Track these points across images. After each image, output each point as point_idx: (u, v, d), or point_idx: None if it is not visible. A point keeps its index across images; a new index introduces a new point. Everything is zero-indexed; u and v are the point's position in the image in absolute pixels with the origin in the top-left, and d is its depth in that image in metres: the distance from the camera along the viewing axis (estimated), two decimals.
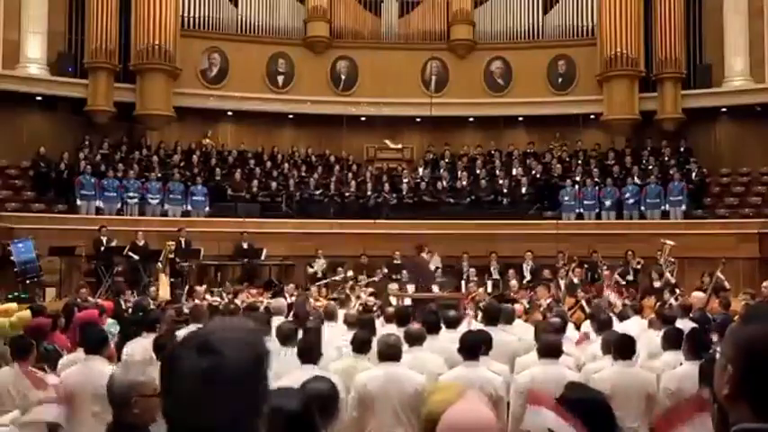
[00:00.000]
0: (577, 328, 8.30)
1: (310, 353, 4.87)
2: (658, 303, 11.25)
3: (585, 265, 15.25)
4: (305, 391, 2.79)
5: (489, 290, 14.95)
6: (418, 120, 20.33)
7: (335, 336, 6.84)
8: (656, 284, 13.79)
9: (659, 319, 7.58)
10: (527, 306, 10.65)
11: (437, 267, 15.30)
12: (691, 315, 8.41)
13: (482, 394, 3.86)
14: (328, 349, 5.78)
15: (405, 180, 18.62)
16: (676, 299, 11.68)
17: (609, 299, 11.45)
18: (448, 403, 2.27)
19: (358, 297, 13.25)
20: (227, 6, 19.97)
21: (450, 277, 15.22)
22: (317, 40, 20.20)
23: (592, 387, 3.52)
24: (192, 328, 6.17)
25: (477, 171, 18.75)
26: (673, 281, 14.02)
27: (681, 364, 5.33)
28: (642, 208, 17.45)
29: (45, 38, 18.19)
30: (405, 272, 15.40)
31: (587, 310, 10.70)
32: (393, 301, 12.36)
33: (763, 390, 1.37)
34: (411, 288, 14.24)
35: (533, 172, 18.63)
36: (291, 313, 9.28)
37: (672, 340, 5.79)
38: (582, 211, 17.70)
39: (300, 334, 5.86)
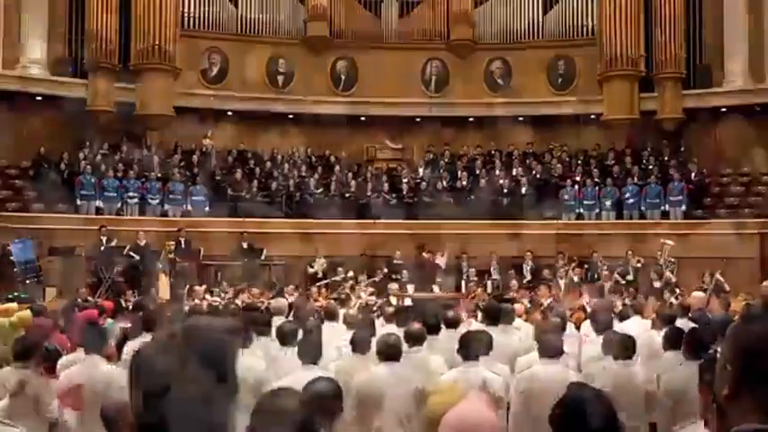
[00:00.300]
0: (577, 328, 8.30)
1: (310, 353, 4.88)
2: (658, 303, 11.24)
3: (585, 265, 15.26)
4: (307, 393, 2.79)
5: (489, 290, 14.98)
6: (418, 120, 20.33)
7: (335, 336, 6.84)
8: (656, 284, 13.81)
9: (659, 319, 7.58)
10: (528, 306, 10.65)
11: (446, 266, 15.36)
12: (690, 315, 8.41)
13: (483, 395, 3.87)
14: (328, 349, 5.78)
15: (405, 180, 18.61)
16: (676, 299, 11.69)
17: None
18: (449, 404, 2.28)
19: (358, 297, 13.26)
20: (227, 6, 19.97)
21: (451, 277, 15.26)
22: (317, 40, 20.19)
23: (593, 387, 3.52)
24: None
25: (477, 171, 18.74)
26: (673, 281, 14.03)
27: (680, 364, 5.33)
28: (642, 208, 17.45)
29: (45, 38, 18.19)
30: (405, 272, 15.43)
31: (587, 309, 10.69)
32: (393, 300, 12.37)
33: (763, 390, 1.37)
34: (411, 288, 14.28)
35: (533, 172, 18.61)
36: (291, 313, 9.28)
37: (672, 340, 5.78)
38: (582, 211, 17.70)
39: (300, 334, 5.85)
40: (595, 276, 14.82)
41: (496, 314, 6.90)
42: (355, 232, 17.01)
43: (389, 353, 4.93)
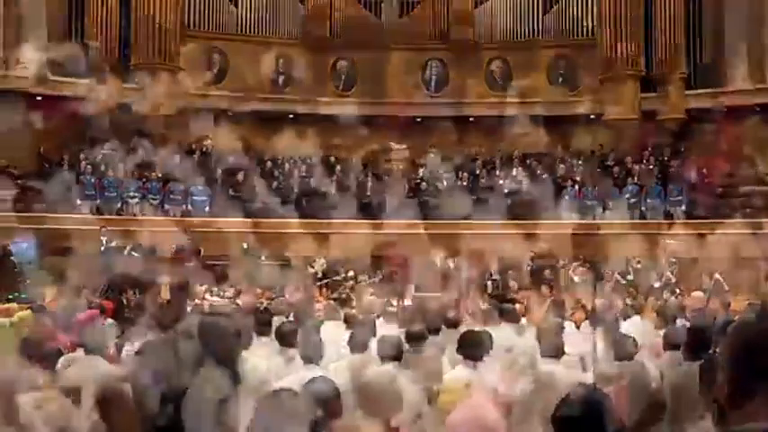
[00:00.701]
0: (577, 327, 8.30)
1: (311, 353, 4.87)
2: (658, 303, 11.25)
3: (587, 264, 15.24)
4: (307, 393, 2.79)
5: (489, 290, 14.97)
6: (418, 120, 20.33)
7: (336, 336, 6.83)
8: (656, 284, 13.80)
9: (659, 319, 7.59)
10: (528, 306, 10.64)
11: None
12: (690, 315, 8.41)
13: (486, 394, 3.87)
14: (328, 349, 5.77)
15: (405, 180, 18.62)
16: (676, 298, 11.70)
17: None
18: (453, 404, 2.28)
19: (359, 297, 13.25)
20: (227, 6, 19.99)
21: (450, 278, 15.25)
22: (317, 40, 20.19)
23: (594, 387, 3.52)
24: None
25: (477, 171, 18.74)
26: (673, 281, 14.03)
27: (680, 364, 5.32)
28: (642, 208, 17.44)
29: (45, 38, 18.18)
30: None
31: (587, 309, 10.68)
32: (393, 301, 12.35)
33: (762, 388, 1.37)
34: (411, 288, 14.28)
35: (534, 172, 18.60)
36: (292, 313, 9.28)
37: (672, 340, 5.78)
38: (583, 211, 17.67)
39: (300, 334, 5.85)
40: (597, 276, 14.81)
41: (497, 314, 6.90)
42: (355, 232, 17.00)
43: (390, 353, 4.93)
